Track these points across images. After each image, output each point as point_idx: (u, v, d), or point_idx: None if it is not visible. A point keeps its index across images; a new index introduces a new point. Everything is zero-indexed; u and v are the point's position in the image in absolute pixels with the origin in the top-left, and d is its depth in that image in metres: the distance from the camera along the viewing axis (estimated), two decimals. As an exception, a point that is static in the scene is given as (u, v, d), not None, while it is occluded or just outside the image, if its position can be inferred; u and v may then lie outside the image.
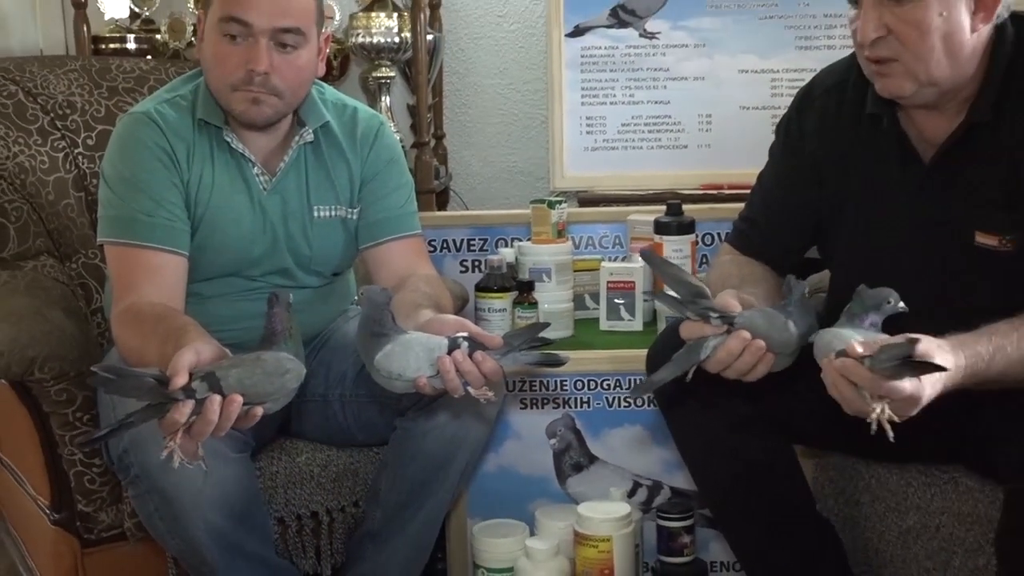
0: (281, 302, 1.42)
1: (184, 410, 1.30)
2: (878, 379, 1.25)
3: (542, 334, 1.52)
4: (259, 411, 1.37)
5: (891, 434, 1.26)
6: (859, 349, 1.27)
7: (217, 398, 1.32)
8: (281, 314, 1.41)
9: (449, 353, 1.45)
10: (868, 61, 1.47)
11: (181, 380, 1.30)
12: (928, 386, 1.27)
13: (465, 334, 1.48)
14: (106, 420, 1.68)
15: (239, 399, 1.33)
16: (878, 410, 1.27)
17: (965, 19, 1.42)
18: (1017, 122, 1.45)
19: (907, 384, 1.25)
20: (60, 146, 2.07)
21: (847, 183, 1.60)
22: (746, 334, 1.38)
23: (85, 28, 2.55)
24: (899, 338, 1.27)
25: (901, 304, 1.35)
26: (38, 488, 1.83)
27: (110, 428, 1.43)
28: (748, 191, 1.76)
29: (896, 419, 1.27)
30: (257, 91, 1.65)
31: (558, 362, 1.54)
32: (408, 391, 1.50)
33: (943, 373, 1.27)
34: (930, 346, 1.27)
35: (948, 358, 1.29)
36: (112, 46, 2.64)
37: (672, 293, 1.45)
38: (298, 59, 1.67)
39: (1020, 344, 1.33)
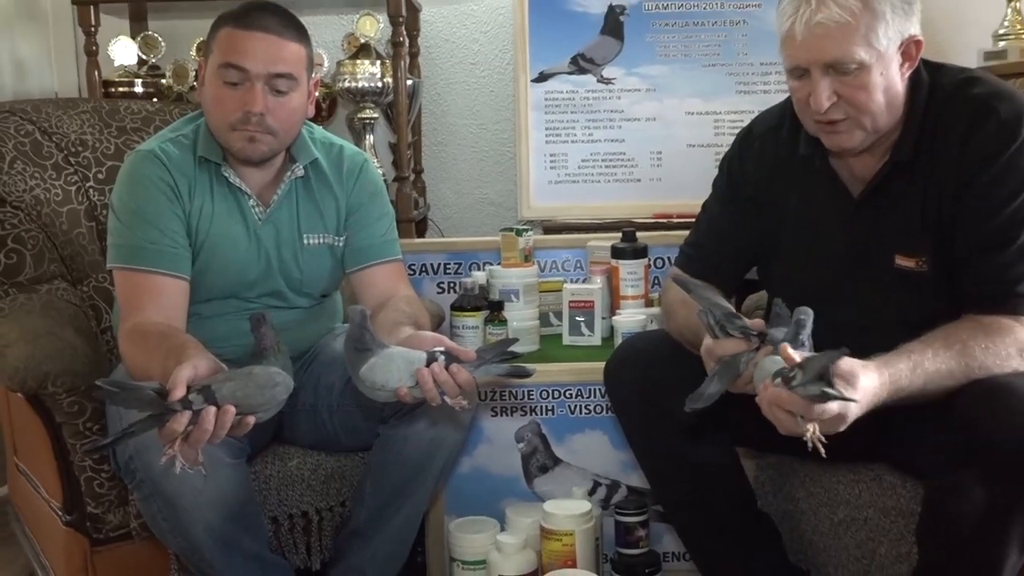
0: (266, 321, 1.41)
1: (182, 420, 1.29)
2: (808, 405, 1.24)
3: (511, 348, 1.52)
4: (251, 420, 1.36)
5: (823, 451, 1.25)
6: (796, 357, 1.26)
7: (212, 409, 1.31)
8: (267, 332, 1.40)
9: (427, 366, 1.45)
10: (819, 124, 1.47)
11: (179, 393, 1.29)
12: (854, 406, 1.26)
13: (442, 348, 1.48)
14: (113, 430, 1.65)
15: (232, 410, 1.32)
16: (810, 431, 1.25)
17: (897, 72, 1.44)
18: (932, 159, 1.47)
19: (834, 405, 1.24)
20: (73, 180, 2.05)
21: (783, 214, 1.61)
22: (771, 350, 1.35)
23: (97, 73, 2.55)
24: (822, 354, 1.26)
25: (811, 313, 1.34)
26: (51, 492, 1.81)
27: (114, 437, 1.42)
28: (695, 219, 1.77)
29: (823, 440, 1.26)
30: (253, 130, 1.64)
31: (525, 374, 1.54)
32: (390, 400, 1.49)
33: (869, 394, 1.27)
34: (853, 366, 1.27)
35: (872, 376, 1.29)
36: (121, 89, 2.63)
37: (708, 316, 1.40)
38: (290, 102, 1.66)
39: (936, 360, 1.34)
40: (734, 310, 1.41)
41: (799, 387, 1.24)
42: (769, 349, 1.34)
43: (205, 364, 1.37)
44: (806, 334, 1.33)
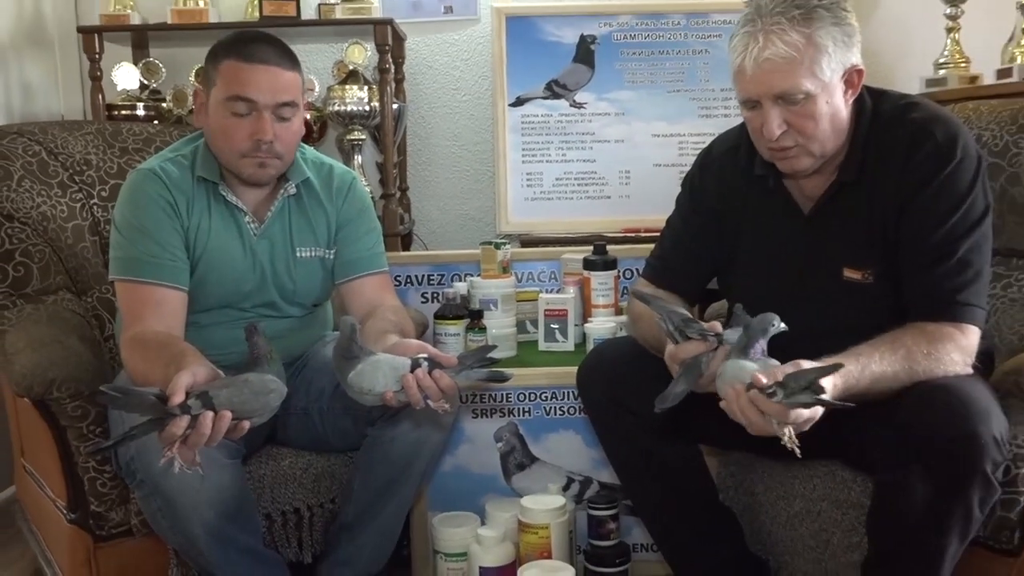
0: (259, 331, 1.40)
1: (181, 424, 1.28)
2: (785, 409, 1.25)
3: (490, 355, 1.52)
4: (246, 424, 1.35)
5: (799, 453, 1.27)
6: (764, 380, 1.27)
7: (209, 414, 1.30)
8: (260, 341, 1.39)
9: (412, 371, 1.44)
10: (772, 151, 1.48)
11: (179, 398, 1.28)
12: (819, 408, 1.27)
13: (425, 355, 1.47)
14: (115, 433, 1.63)
15: (228, 415, 1.31)
16: (787, 434, 1.26)
17: (842, 99, 1.45)
18: (876, 179, 1.48)
19: (806, 411, 1.26)
20: (77, 197, 2.04)
21: (741, 230, 1.62)
22: (728, 349, 1.35)
23: (100, 97, 2.53)
24: (804, 370, 1.26)
25: (782, 325, 1.34)
26: (56, 491, 1.78)
27: (116, 439, 1.41)
28: (660, 234, 1.77)
29: (787, 439, 1.27)
30: (264, 156, 1.64)
31: (504, 378, 1.54)
32: (377, 404, 1.48)
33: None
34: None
35: (827, 379, 1.30)
36: (124, 112, 2.61)
37: (666, 322, 1.41)
38: (292, 126, 1.67)
39: (882, 363, 1.35)
40: (691, 315, 1.42)
41: (786, 398, 1.24)
42: (727, 349, 1.35)
43: (203, 371, 1.36)
44: (764, 341, 1.34)
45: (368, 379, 1.44)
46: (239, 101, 1.61)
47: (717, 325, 1.39)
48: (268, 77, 1.61)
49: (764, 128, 1.45)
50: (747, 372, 1.30)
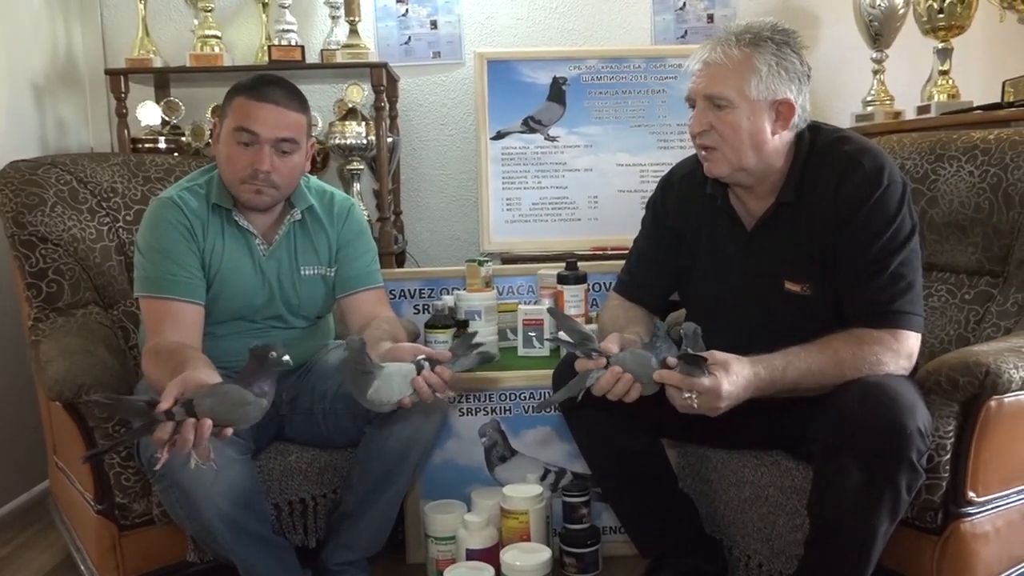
0: (271, 353, 1.33)
1: (166, 429, 1.25)
2: (683, 379, 1.32)
3: (475, 340, 1.52)
4: (229, 431, 1.31)
5: (695, 406, 1.33)
6: (671, 359, 1.34)
7: (191, 420, 1.26)
8: (258, 361, 1.33)
9: (418, 374, 1.45)
10: (698, 147, 1.51)
11: (165, 405, 1.26)
12: (725, 383, 1.31)
13: (423, 356, 1.47)
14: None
15: (209, 423, 1.27)
16: (686, 396, 1.33)
17: (767, 125, 1.45)
18: (811, 203, 1.49)
19: (705, 381, 1.30)
20: (105, 221, 2.02)
21: (696, 245, 1.62)
22: (618, 369, 1.37)
23: (126, 132, 2.51)
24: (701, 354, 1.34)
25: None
26: (84, 485, 1.76)
27: (105, 446, 1.36)
28: (627, 252, 1.77)
29: (695, 406, 1.33)
30: (260, 185, 1.63)
31: (492, 358, 1.54)
32: (392, 409, 1.48)
33: (743, 378, 1.33)
34: (728, 358, 1.32)
35: (745, 365, 1.34)
36: (147, 145, 2.59)
37: (567, 337, 1.43)
38: (291, 160, 1.65)
39: (807, 359, 1.37)
40: (591, 334, 1.44)
41: (678, 368, 1.33)
42: (617, 370, 1.38)
43: (196, 377, 1.32)
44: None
45: (385, 392, 1.44)
46: (243, 132, 1.60)
47: (612, 348, 1.40)
48: (272, 115, 1.61)
49: (691, 123, 1.46)
50: (646, 358, 1.36)
